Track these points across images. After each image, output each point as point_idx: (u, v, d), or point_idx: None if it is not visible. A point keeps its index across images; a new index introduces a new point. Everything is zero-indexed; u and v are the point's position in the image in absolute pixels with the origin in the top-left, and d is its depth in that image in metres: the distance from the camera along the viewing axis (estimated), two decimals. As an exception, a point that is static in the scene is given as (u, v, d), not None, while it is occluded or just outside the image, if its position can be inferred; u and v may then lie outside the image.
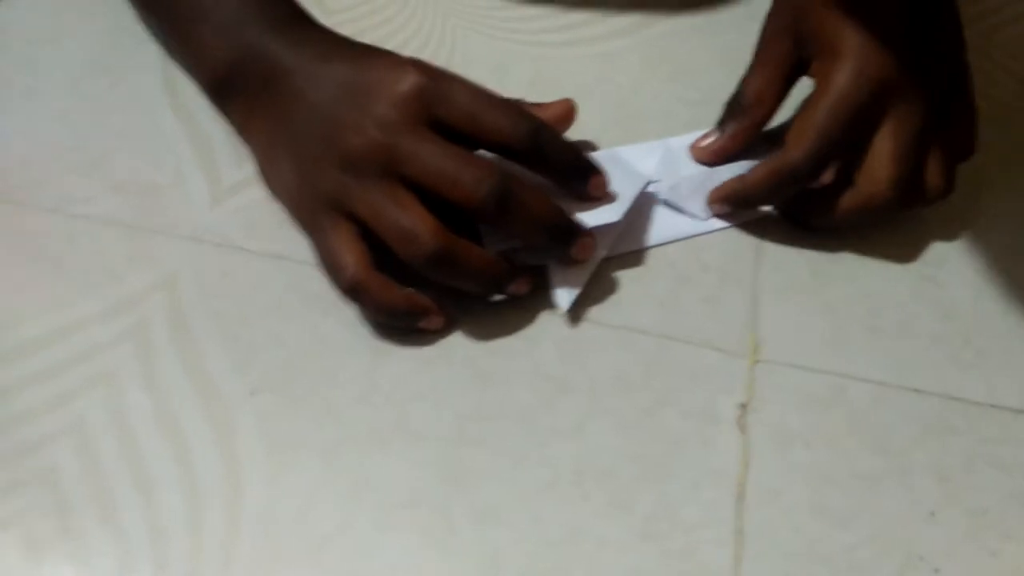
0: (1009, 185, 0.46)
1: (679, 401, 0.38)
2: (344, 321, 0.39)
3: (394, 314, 0.38)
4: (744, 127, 0.43)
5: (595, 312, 0.40)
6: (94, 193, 0.43)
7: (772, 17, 0.43)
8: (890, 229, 0.43)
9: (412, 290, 0.38)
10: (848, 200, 0.41)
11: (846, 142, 0.40)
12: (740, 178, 0.42)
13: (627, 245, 0.42)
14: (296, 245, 0.41)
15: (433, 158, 0.36)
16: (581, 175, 0.40)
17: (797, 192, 0.42)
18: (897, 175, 0.40)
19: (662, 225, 0.43)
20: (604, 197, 0.40)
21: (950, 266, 0.43)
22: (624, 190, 0.41)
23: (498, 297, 0.40)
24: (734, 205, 0.42)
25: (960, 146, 0.42)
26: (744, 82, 0.44)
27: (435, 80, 0.37)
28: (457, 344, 0.39)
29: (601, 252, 0.41)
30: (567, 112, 0.42)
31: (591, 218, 0.40)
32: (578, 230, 0.39)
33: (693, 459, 0.37)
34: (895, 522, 0.35)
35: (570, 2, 0.52)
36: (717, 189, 0.43)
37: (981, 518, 0.36)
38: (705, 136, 0.44)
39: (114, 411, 0.37)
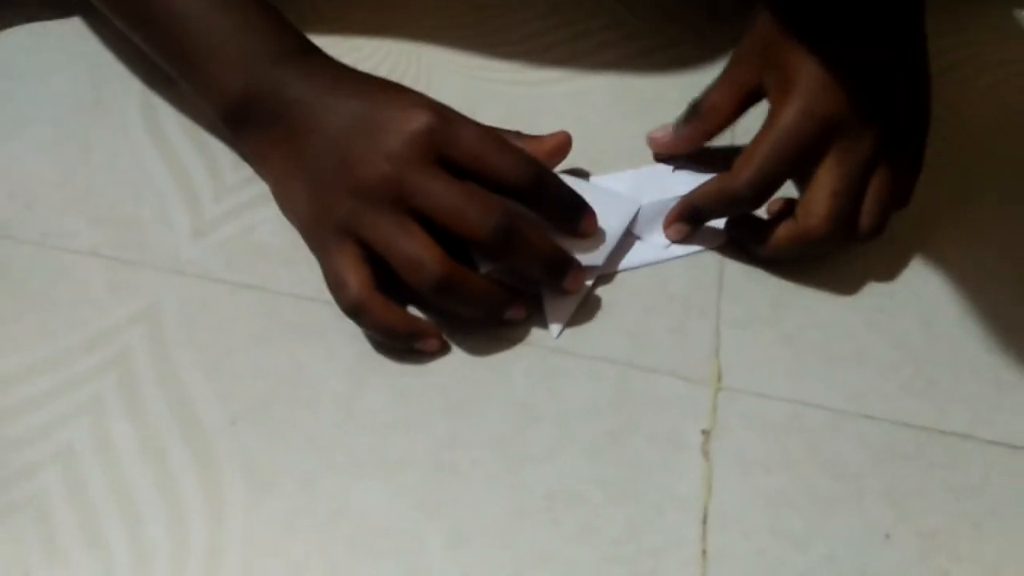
0: (954, 220, 0.48)
1: (645, 428, 0.40)
2: (323, 351, 0.41)
3: (393, 335, 0.40)
4: (695, 130, 0.46)
5: (564, 342, 0.42)
6: (78, 227, 0.44)
7: (744, 43, 0.46)
8: (844, 262, 0.45)
9: (412, 312, 0.41)
10: (785, 231, 0.43)
11: (788, 175, 0.42)
12: (690, 192, 0.44)
13: (598, 270, 0.44)
14: (276, 277, 0.43)
15: (442, 194, 0.39)
16: (575, 216, 0.42)
17: (743, 214, 0.44)
18: (833, 211, 0.42)
19: (630, 251, 0.45)
20: (593, 234, 0.43)
21: (901, 298, 0.45)
22: (608, 226, 0.43)
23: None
24: (685, 220, 0.45)
25: (898, 194, 0.44)
26: (706, 92, 0.46)
27: (445, 121, 0.39)
28: (432, 374, 0.41)
29: (588, 283, 0.43)
30: (563, 144, 0.45)
31: (579, 259, 0.42)
32: (571, 264, 0.41)
33: (659, 484, 0.38)
34: (850, 544, 0.37)
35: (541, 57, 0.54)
36: (671, 209, 0.45)
37: (932, 540, 0.37)
38: (660, 129, 0.48)
39: (99, 440, 0.38)
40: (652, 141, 0.48)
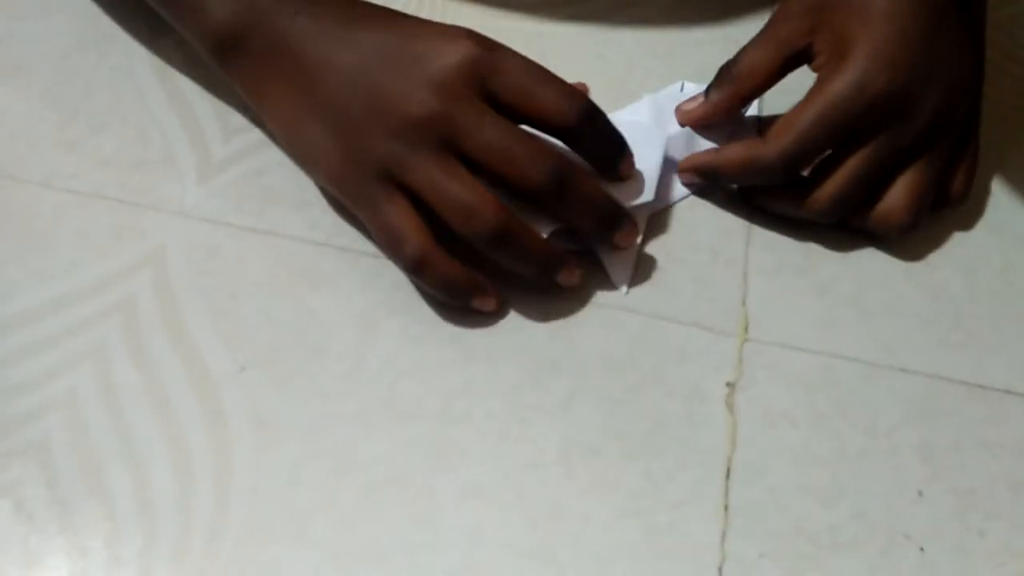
0: (1001, 165, 0.45)
1: (667, 380, 0.38)
2: (333, 298, 0.39)
3: (455, 290, 0.38)
4: (728, 97, 0.42)
5: (583, 291, 0.40)
6: (82, 168, 0.43)
7: None
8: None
9: (470, 268, 0.38)
10: (791, 195, 0.41)
11: (825, 148, 0.40)
12: (715, 152, 0.42)
13: (648, 207, 0.42)
14: (286, 221, 0.41)
15: (493, 136, 0.36)
16: (618, 156, 0.39)
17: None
18: (841, 194, 0.39)
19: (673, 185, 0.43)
20: (631, 177, 0.40)
21: (940, 247, 0.42)
22: (644, 165, 0.41)
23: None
24: (704, 178, 0.42)
25: (953, 190, 0.41)
26: (742, 51, 0.42)
27: (489, 51, 0.37)
28: (444, 322, 0.39)
29: (641, 231, 0.41)
30: None
31: (626, 199, 0.40)
32: (626, 218, 0.39)
33: (680, 437, 0.37)
34: (881, 501, 0.35)
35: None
36: (690, 157, 0.42)
37: (968, 498, 0.36)
38: (691, 100, 0.43)
39: (103, 385, 0.37)
40: (683, 115, 0.43)
